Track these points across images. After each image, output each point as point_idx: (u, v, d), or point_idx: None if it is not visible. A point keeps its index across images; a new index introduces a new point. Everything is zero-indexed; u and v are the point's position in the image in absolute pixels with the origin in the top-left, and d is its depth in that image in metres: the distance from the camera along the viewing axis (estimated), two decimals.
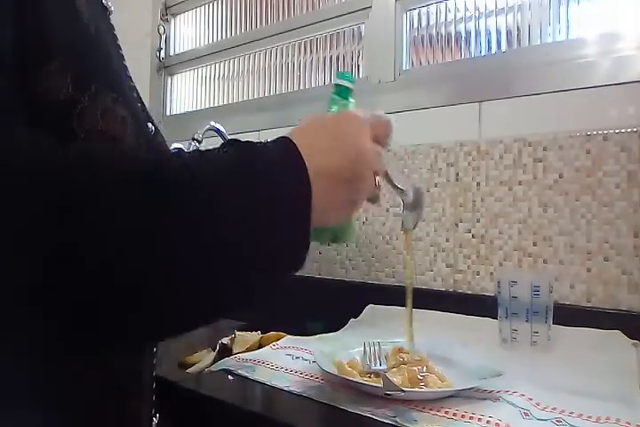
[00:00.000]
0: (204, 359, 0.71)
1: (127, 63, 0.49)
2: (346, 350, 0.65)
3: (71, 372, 0.35)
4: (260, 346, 0.75)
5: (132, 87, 0.47)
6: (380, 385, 0.53)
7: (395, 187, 0.53)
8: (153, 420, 0.47)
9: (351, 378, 0.55)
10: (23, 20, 0.34)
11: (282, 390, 0.57)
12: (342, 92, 0.72)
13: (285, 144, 0.37)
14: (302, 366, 0.64)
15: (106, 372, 0.38)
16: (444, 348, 0.64)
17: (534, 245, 0.88)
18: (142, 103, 0.49)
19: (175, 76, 1.69)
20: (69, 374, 0.35)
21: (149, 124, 0.47)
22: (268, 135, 1.27)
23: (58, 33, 0.37)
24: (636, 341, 0.72)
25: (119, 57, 0.47)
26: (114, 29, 0.48)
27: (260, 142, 0.37)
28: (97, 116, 0.37)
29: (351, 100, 0.70)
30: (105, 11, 0.48)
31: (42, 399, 0.34)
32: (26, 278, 0.26)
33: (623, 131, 0.81)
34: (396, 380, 0.56)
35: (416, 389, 0.54)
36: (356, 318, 0.92)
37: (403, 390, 0.50)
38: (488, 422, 0.46)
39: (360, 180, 0.41)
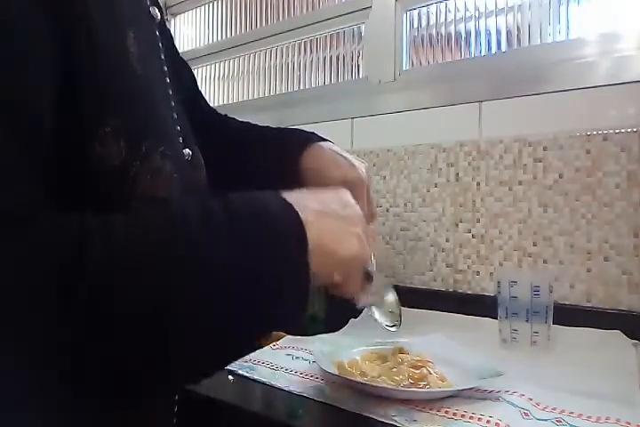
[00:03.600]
0: None
1: None
2: (346, 349, 0.65)
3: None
4: (260, 346, 0.75)
5: (172, 108, 0.45)
6: (380, 385, 0.53)
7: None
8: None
9: (351, 378, 0.55)
10: (79, 76, 0.33)
11: (282, 390, 0.57)
12: None
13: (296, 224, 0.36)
14: (302, 366, 0.64)
15: None
16: (444, 348, 0.64)
17: (534, 245, 0.88)
18: (183, 123, 0.47)
19: None
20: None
21: (186, 151, 0.45)
22: None
23: (113, 87, 0.35)
24: (635, 341, 0.72)
25: (162, 79, 0.45)
26: (159, 41, 0.46)
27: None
28: (148, 180, 0.36)
29: None
30: (152, 20, 0.46)
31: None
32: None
33: (623, 131, 0.81)
34: (397, 380, 0.56)
35: (416, 389, 0.54)
36: (356, 318, 0.92)
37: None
38: (488, 422, 0.46)
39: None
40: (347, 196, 0.43)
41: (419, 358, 0.60)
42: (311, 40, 1.33)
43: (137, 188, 0.36)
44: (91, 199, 0.34)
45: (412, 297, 0.97)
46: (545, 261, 0.87)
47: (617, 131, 0.81)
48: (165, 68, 0.46)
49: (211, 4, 1.59)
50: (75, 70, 0.33)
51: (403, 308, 0.83)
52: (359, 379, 0.55)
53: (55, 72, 0.32)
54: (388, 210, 1.06)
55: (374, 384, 0.53)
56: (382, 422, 0.48)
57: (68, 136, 0.33)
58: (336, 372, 0.56)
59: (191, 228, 0.31)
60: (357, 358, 0.63)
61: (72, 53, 0.33)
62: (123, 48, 0.37)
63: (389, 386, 0.54)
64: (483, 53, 1.05)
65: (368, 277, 0.45)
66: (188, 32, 1.66)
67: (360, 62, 1.23)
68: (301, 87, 1.35)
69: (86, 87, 0.34)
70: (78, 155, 0.33)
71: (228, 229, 0.32)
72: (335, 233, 0.39)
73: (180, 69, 0.61)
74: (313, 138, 0.61)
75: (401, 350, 0.63)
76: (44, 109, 0.31)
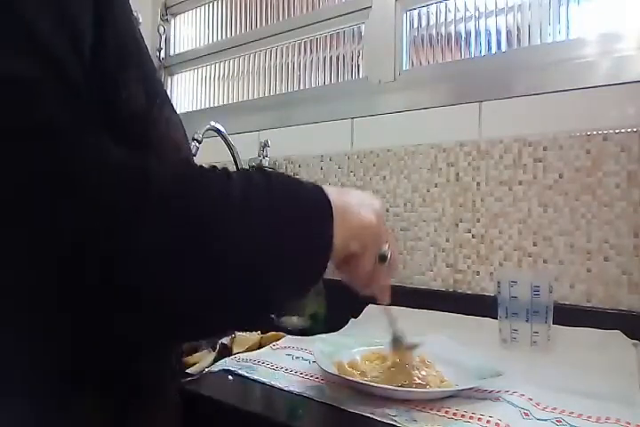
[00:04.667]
0: (203, 359, 0.71)
1: None
2: (346, 349, 0.65)
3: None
4: (260, 346, 0.75)
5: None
6: (380, 385, 0.53)
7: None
8: None
9: (351, 378, 0.55)
10: (104, 31, 0.36)
11: (282, 390, 0.57)
12: None
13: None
14: (302, 366, 0.64)
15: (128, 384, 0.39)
16: (444, 348, 0.64)
17: (534, 245, 0.88)
18: None
19: (175, 76, 1.69)
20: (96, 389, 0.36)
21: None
22: (268, 135, 1.27)
23: (129, 48, 0.39)
24: (635, 341, 0.72)
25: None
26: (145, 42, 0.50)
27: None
28: (166, 125, 0.40)
29: None
30: (137, 22, 0.49)
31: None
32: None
33: (623, 131, 0.81)
34: (396, 380, 0.56)
35: (416, 389, 0.54)
36: (356, 318, 0.92)
37: None
38: (488, 422, 0.46)
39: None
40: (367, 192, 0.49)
41: (418, 359, 0.60)
42: (311, 40, 1.33)
43: (158, 131, 0.39)
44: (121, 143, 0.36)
45: (412, 297, 0.97)
46: (545, 261, 0.87)
47: (617, 131, 0.81)
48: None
49: (211, 4, 1.59)
50: (102, 32, 0.36)
51: (403, 307, 0.84)
52: (359, 379, 0.55)
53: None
54: (388, 210, 1.06)
55: (374, 384, 0.53)
56: (382, 422, 0.48)
57: (98, 82, 0.35)
58: (336, 372, 0.56)
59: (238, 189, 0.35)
60: (357, 358, 0.63)
61: (101, 21, 0.36)
62: (132, 24, 0.41)
63: (389, 386, 0.54)
64: (483, 53, 1.05)
65: (383, 259, 0.46)
66: (188, 32, 1.66)
67: (360, 62, 1.23)
68: (301, 87, 1.35)
69: (109, 42, 0.36)
70: (108, 99, 0.36)
71: (267, 189, 0.36)
72: (355, 203, 0.43)
73: None
74: None
75: None
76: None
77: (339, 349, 0.65)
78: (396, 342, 0.57)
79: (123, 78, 0.37)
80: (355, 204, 0.43)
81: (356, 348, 0.66)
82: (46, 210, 0.27)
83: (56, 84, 0.30)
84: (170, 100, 0.45)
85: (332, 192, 0.40)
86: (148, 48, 0.48)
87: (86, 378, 0.34)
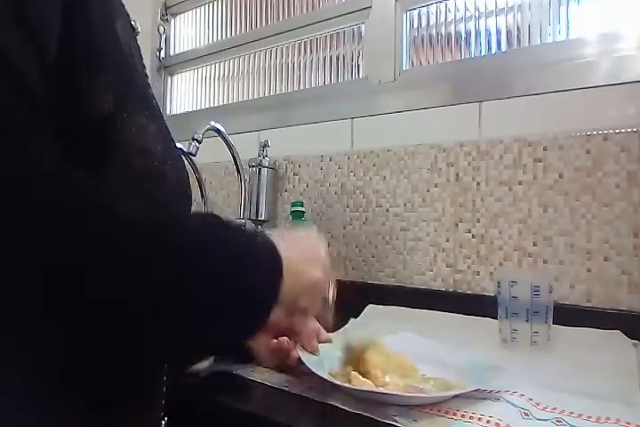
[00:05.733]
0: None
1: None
2: (331, 355, 0.62)
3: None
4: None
5: (156, 104, 0.48)
6: (372, 390, 0.52)
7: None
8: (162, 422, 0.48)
9: (339, 382, 0.53)
10: (74, 37, 0.36)
11: (282, 390, 0.57)
12: (299, 215, 1.08)
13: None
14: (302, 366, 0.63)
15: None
16: (442, 348, 0.64)
17: (534, 245, 0.88)
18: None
19: (175, 76, 1.69)
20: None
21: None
22: (268, 135, 1.27)
23: (102, 51, 0.39)
24: (635, 341, 0.72)
25: (145, 76, 0.49)
26: (140, 50, 0.50)
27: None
28: (134, 131, 0.40)
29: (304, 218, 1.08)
30: (133, 32, 0.50)
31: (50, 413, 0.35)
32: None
33: (623, 131, 0.81)
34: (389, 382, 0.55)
35: (416, 394, 0.53)
36: (356, 318, 0.92)
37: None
38: (488, 422, 0.46)
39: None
40: (315, 235, 0.52)
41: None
42: (311, 40, 1.33)
43: (124, 137, 0.39)
44: (84, 146, 0.36)
45: (412, 297, 0.97)
46: (545, 261, 0.87)
47: (617, 131, 0.81)
48: (144, 64, 0.48)
49: (211, 4, 1.59)
50: (73, 35, 0.36)
51: (403, 308, 0.84)
52: (368, 387, 0.53)
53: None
54: (388, 210, 1.06)
55: (374, 389, 0.52)
56: (382, 422, 0.48)
57: (66, 89, 0.35)
58: (330, 378, 0.55)
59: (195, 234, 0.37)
60: (342, 362, 0.61)
61: (71, 23, 0.36)
62: (112, 28, 0.41)
63: (385, 391, 0.53)
64: (483, 53, 1.05)
65: (325, 303, 0.53)
66: (188, 32, 1.66)
67: (360, 62, 1.23)
68: (301, 87, 1.35)
69: (82, 49, 0.37)
70: (74, 103, 0.36)
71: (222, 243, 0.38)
72: (303, 258, 0.46)
73: None
74: None
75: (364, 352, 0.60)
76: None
77: (324, 355, 0.62)
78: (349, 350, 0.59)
79: (89, 84, 0.37)
80: (303, 259, 0.45)
81: (339, 353, 0.63)
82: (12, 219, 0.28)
83: (16, 98, 0.30)
84: (156, 109, 0.45)
85: (283, 249, 0.41)
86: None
87: (86, 378, 0.34)
